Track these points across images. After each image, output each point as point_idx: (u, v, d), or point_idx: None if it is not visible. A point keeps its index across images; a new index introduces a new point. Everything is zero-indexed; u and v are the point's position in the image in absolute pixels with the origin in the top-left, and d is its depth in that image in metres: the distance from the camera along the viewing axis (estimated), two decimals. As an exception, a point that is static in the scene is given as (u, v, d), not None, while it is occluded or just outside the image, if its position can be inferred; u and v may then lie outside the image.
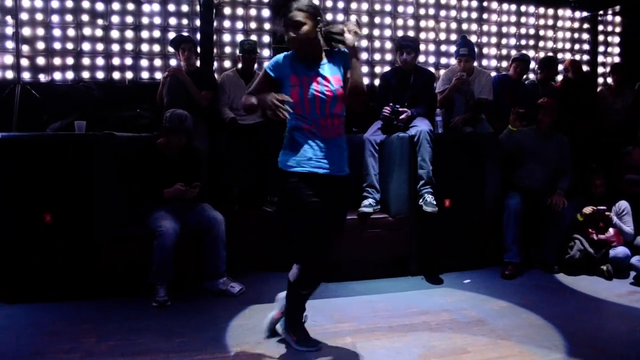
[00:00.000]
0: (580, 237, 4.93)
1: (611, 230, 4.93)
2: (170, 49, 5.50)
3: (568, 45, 7.39)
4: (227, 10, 6.03)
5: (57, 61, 5.50)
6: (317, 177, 2.89)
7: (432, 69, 6.31)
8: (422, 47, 6.22)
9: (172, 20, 5.83)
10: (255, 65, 5.50)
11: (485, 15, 6.96)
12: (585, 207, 4.94)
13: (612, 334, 3.60)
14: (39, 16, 5.43)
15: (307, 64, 2.92)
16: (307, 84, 2.88)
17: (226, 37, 6.03)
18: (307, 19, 2.80)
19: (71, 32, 5.53)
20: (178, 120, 4.28)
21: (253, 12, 6.09)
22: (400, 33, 6.47)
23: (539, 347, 3.31)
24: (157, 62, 5.80)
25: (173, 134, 4.29)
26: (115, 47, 5.67)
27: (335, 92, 2.89)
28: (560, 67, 6.92)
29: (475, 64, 5.78)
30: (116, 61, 5.66)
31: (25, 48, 5.40)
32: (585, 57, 7.17)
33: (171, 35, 5.67)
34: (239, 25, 6.07)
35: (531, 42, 7.19)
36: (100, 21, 5.62)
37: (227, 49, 6.02)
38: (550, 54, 6.88)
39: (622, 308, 4.11)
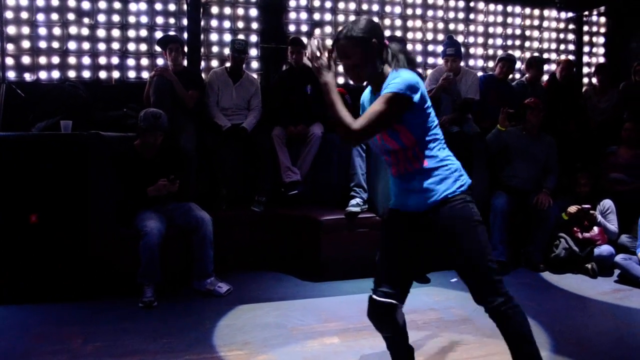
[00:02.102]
0: (566, 236, 4.98)
1: (596, 229, 4.98)
2: (158, 48, 5.48)
3: (554, 46, 7.46)
4: (214, 10, 6.01)
5: (42, 60, 5.44)
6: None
7: (419, 69, 6.33)
8: (409, 47, 6.25)
9: (159, 19, 5.80)
10: (244, 65, 5.49)
11: (471, 16, 7.00)
12: (571, 207, 4.99)
13: (597, 331, 3.64)
14: (24, 14, 5.37)
15: (373, 95, 2.53)
16: None
17: (213, 37, 6.01)
18: (356, 47, 2.39)
19: (57, 31, 5.48)
20: (152, 118, 4.26)
21: (240, 11, 6.08)
22: (387, 33, 6.48)
23: (525, 345, 3.33)
24: (144, 62, 5.76)
25: (148, 133, 4.27)
26: (102, 46, 5.62)
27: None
28: (550, 66, 7.00)
29: (462, 63, 5.81)
30: (102, 60, 5.62)
31: (10, 47, 5.35)
32: (571, 57, 7.22)
33: (158, 34, 5.64)
34: (227, 24, 6.05)
35: (517, 43, 7.24)
36: (86, 20, 5.57)
37: (215, 49, 6.00)
38: (536, 54, 6.93)
39: (607, 306, 4.15)
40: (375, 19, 6.48)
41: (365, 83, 2.57)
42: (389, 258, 2.59)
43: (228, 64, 5.41)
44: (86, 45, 5.58)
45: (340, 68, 2.53)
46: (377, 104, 2.33)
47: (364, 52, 2.41)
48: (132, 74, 5.73)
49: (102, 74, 5.62)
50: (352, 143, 2.41)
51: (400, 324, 2.59)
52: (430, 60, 6.77)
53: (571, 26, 7.53)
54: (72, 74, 5.51)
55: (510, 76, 6.28)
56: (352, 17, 6.45)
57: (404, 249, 2.59)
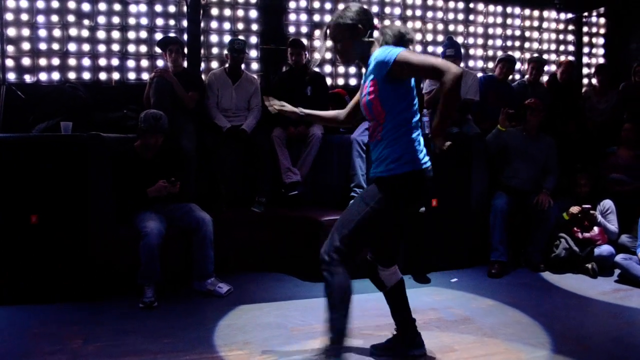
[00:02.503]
0: (566, 236, 4.98)
1: (596, 229, 4.98)
2: (157, 50, 5.49)
3: (553, 47, 7.47)
4: (214, 11, 6.02)
5: (42, 62, 5.45)
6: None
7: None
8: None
9: (159, 21, 5.81)
10: (243, 66, 5.50)
11: (471, 17, 7.01)
12: (572, 207, 4.99)
13: (597, 331, 3.64)
14: (25, 16, 5.38)
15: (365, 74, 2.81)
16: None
17: (213, 38, 6.02)
18: (345, 32, 2.69)
19: (57, 33, 5.49)
20: (153, 120, 4.26)
21: (240, 12, 6.09)
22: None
23: (526, 344, 3.34)
24: (144, 63, 5.77)
25: (149, 135, 4.27)
26: (102, 48, 5.63)
27: (363, 99, 2.76)
28: (550, 67, 7.01)
29: (462, 64, 5.81)
30: (103, 62, 5.63)
31: (10, 48, 5.36)
32: (570, 58, 7.23)
33: (158, 36, 5.65)
34: (227, 26, 6.07)
35: (517, 44, 7.25)
36: (86, 22, 5.58)
37: (215, 50, 6.01)
38: (535, 54, 6.94)
39: (607, 305, 4.16)
40: (376, 21, 6.52)
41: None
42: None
43: (227, 65, 5.42)
44: (86, 47, 5.58)
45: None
46: (410, 62, 2.51)
47: (351, 38, 2.68)
48: (132, 76, 5.74)
49: (102, 76, 5.63)
50: (458, 74, 2.44)
51: (384, 281, 3.01)
52: (430, 61, 6.76)
53: (571, 27, 7.54)
54: (72, 75, 5.52)
55: (510, 77, 6.29)
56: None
57: None
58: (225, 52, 5.40)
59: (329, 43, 2.80)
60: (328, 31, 2.76)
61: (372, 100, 2.66)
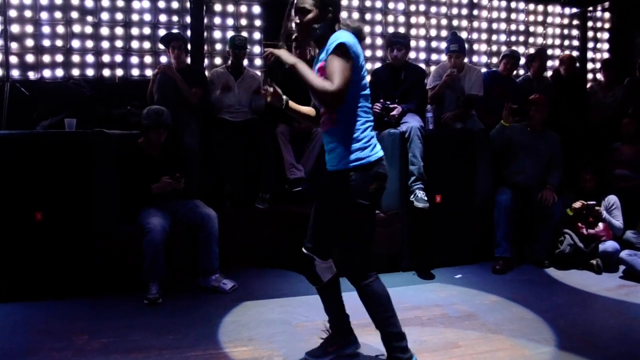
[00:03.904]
0: (570, 232, 4.97)
1: (601, 225, 4.97)
2: (161, 46, 5.48)
3: (558, 42, 7.43)
4: (217, 7, 5.99)
5: (46, 58, 5.44)
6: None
7: (422, 66, 6.33)
8: (412, 43, 6.24)
9: (162, 17, 5.80)
10: (245, 62, 5.49)
11: (475, 12, 6.97)
12: (575, 202, 4.98)
13: (601, 327, 3.64)
14: (28, 13, 5.37)
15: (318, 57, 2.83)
16: None
17: (217, 34, 6.00)
18: (313, 7, 2.71)
19: (60, 29, 5.48)
20: (155, 116, 4.27)
21: (244, 8, 6.07)
22: (390, 29, 6.48)
23: (530, 340, 3.34)
24: (148, 59, 5.76)
25: (152, 131, 4.28)
26: (105, 44, 5.62)
27: None
28: (554, 62, 6.98)
29: (466, 60, 5.79)
30: (106, 58, 5.62)
31: (14, 45, 5.35)
32: (575, 53, 7.20)
33: (161, 32, 5.64)
34: (230, 22, 6.05)
35: (521, 39, 7.22)
36: (89, 18, 5.57)
37: (218, 46, 6.00)
38: (537, 49, 6.90)
39: (612, 302, 4.15)
40: (379, 16, 6.50)
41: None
42: (312, 217, 2.96)
43: (229, 62, 5.41)
44: (90, 44, 5.58)
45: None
46: (332, 60, 2.56)
47: (318, 14, 2.70)
48: (135, 72, 5.73)
49: (106, 72, 5.62)
50: (335, 103, 2.55)
51: (320, 276, 2.94)
52: (434, 56, 6.75)
53: (575, 22, 7.50)
54: (75, 72, 5.51)
55: (515, 72, 6.26)
56: (355, 14, 6.44)
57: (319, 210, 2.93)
58: (227, 48, 5.39)
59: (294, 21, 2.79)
60: (295, 4, 2.76)
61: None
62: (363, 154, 2.71)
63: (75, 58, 5.53)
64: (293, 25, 2.79)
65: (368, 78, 2.75)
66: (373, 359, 3.10)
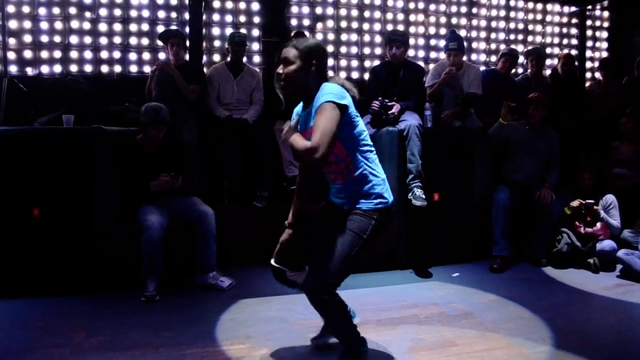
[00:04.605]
0: (568, 231, 4.97)
1: (598, 224, 4.97)
2: (159, 43, 5.47)
3: (556, 40, 7.43)
4: (216, 4, 5.99)
5: (44, 54, 5.44)
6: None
7: (421, 63, 6.33)
8: (411, 41, 6.24)
9: (161, 14, 5.79)
10: (245, 59, 5.48)
11: (474, 10, 6.98)
12: (573, 201, 4.98)
13: (599, 326, 3.65)
14: (26, 9, 5.37)
15: (303, 110, 2.80)
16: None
17: (215, 31, 6.00)
18: (297, 59, 2.65)
19: (59, 25, 5.48)
20: (153, 113, 4.26)
21: (242, 5, 6.07)
22: (389, 27, 6.47)
23: (527, 339, 3.34)
24: (146, 56, 5.76)
25: (151, 127, 4.27)
26: (104, 40, 5.62)
27: None
28: (553, 60, 6.98)
29: (465, 58, 5.79)
30: (104, 54, 5.62)
31: (12, 41, 5.35)
32: (574, 52, 7.20)
33: (160, 28, 5.64)
34: (228, 18, 6.05)
35: (520, 37, 7.22)
36: (88, 14, 5.57)
37: (217, 43, 5.99)
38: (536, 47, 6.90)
39: (609, 301, 4.15)
40: (378, 14, 6.49)
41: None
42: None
43: (228, 59, 5.40)
44: (88, 40, 5.57)
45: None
46: (320, 117, 2.51)
47: (302, 65, 2.64)
48: (133, 68, 5.73)
49: (104, 68, 5.62)
50: (317, 160, 2.49)
51: (295, 281, 2.91)
52: (433, 54, 6.76)
53: (574, 20, 7.50)
54: (74, 68, 5.51)
55: (513, 71, 6.26)
56: (354, 11, 6.44)
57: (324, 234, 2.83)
58: (226, 45, 5.38)
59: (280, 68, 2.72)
60: (281, 53, 2.70)
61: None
62: (385, 196, 2.76)
63: (74, 54, 5.53)
64: (277, 72, 2.73)
65: (361, 121, 2.75)
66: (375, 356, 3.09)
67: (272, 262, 2.91)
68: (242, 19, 6.07)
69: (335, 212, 2.84)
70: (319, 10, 6.33)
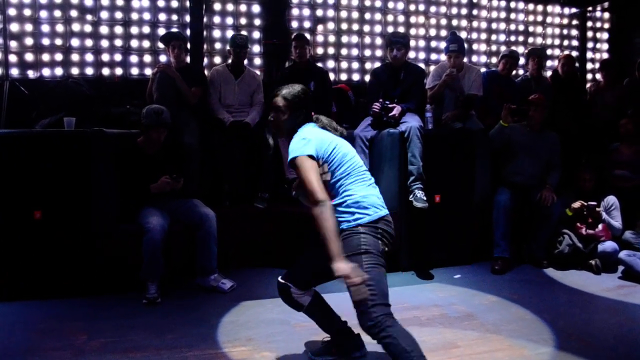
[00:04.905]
0: (569, 232, 4.97)
1: (600, 225, 4.96)
2: (160, 45, 5.48)
3: (557, 42, 7.44)
4: (217, 6, 6.01)
5: (45, 57, 5.45)
6: None
7: (422, 65, 6.33)
8: (412, 43, 6.24)
9: (162, 16, 5.80)
10: (246, 61, 5.49)
11: (475, 12, 6.98)
12: (575, 202, 4.98)
13: (600, 327, 3.64)
14: (27, 12, 5.37)
15: None
16: None
17: (216, 33, 6.01)
18: (286, 108, 2.87)
19: (60, 28, 5.48)
20: (155, 115, 4.25)
21: (243, 7, 6.08)
22: (390, 29, 6.48)
23: (529, 340, 3.34)
24: (147, 58, 5.77)
25: (152, 130, 4.27)
26: (105, 43, 5.62)
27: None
28: (553, 62, 6.98)
29: (465, 60, 5.79)
30: (105, 57, 5.62)
31: (13, 44, 5.35)
32: (574, 53, 7.20)
33: (161, 31, 5.65)
34: (229, 21, 6.06)
35: (520, 38, 7.23)
36: (89, 17, 5.57)
37: (217, 45, 6.00)
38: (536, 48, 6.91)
39: (610, 302, 4.15)
40: (379, 16, 6.50)
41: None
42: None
43: (229, 61, 5.41)
44: (89, 42, 5.58)
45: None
46: (299, 174, 2.72)
47: (290, 114, 2.88)
48: (135, 71, 5.73)
49: (105, 71, 5.63)
50: (324, 204, 2.61)
51: (300, 302, 2.99)
52: (434, 56, 6.77)
53: (575, 22, 7.52)
54: (75, 71, 5.52)
55: (514, 72, 6.26)
56: (354, 13, 6.44)
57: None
58: (228, 47, 5.39)
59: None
60: (273, 101, 2.92)
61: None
62: (364, 212, 2.76)
63: (75, 57, 5.53)
64: (269, 119, 2.99)
65: (340, 151, 2.83)
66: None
67: (279, 278, 2.99)
68: (243, 21, 6.08)
69: None
70: (319, 12, 6.34)
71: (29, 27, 5.40)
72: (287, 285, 2.95)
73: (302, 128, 2.87)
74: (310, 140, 2.75)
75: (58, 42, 5.49)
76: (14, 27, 5.35)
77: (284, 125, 2.92)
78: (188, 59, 5.39)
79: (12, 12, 5.33)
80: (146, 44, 5.77)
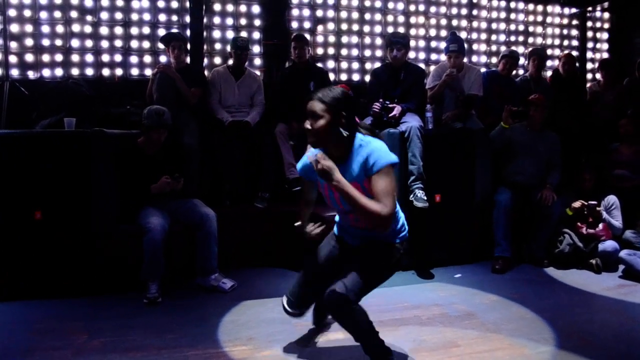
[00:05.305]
0: (570, 232, 4.97)
1: (600, 225, 4.96)
2: (160, 46, 5.49)
3: (557, 42, 7.45)
4: (217, 7, 6.01)
5: (45, 58, 5.45)
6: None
7: (422, 65, 6.33)
8: (412, 43, 6.24)
9: (162, 17, 5.81)
10: (246, 63, 5.49)
11: (475, 12, 6.99)
12: (575, 202, 4.98)
13: (601, 326, 3.63)
14: (27, 12, 5.38)
15: (337, 163, 2.60)
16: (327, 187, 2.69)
17: (216, 34, 6.01)
18: (325, 112, 2.56)
19: (60, 29, 5.49)
20: (156, 116, 4.26)
21: (243, 8, 6.08)
22: (390, 29, 6.49)
23: (529, 339, 3.34)
24: (147, 59, 5.77)
25: (153, 131, 4.27)
26: (105, 44, 5.63)
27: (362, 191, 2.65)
28: (554, 62, 6.98)
29: (465, 60, 5.79)
30: (106, 58, 5.63)
31: (13, 45, 5.36)
32: (575, 53, 7.20)
33: (161, 31, 5.65)
34: (229, 21, 6.06)
35: (520, 38, 7.23)
36: (89, 17, 5.58)
37: (217, 46, 6.01)
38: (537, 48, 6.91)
39: (611, 301, 4.15)
40: (379, 16, 6.50)
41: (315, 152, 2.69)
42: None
43: (230, 62, 5.41)
44: (89, 43, 5.59)
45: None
46: (383, 180, 2.52)
47: (330, 119, 2.56)
48: (135, 72, 5.73)
49: (105, 72, 5.63)
50: (388, 225, 2.58)
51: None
52: (434, 56, 6.77)
53: (575, 22, 7.52)
54: (75, 71, 5.52)
55: (514, 72, 6.26)
56: (354, 14, 6.45)
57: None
58: (229, 49, 5.39)
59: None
60: (308, 106, 2.61)
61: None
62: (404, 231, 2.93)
63: (75, 57, 5.54)
64: (306, 127, 2.64)
65: None
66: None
67: (284, 302, 3.08)
68: (243, 21, 6.08)
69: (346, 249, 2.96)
70: (319, 12, 6.34)
71: (29, 28, 5.40)
72: (298, 313, 3.10)
73: (361, 137, 2.64)
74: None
75: (58, 42, 5.49)
76: (14, 28, 5.35)
77: (326, 135, 2.58)
78: (188, 60, 5.40)
79: (12, 13, 5.33)
80: (146, 44, 5.77)
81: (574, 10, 7.44)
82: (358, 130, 2.71)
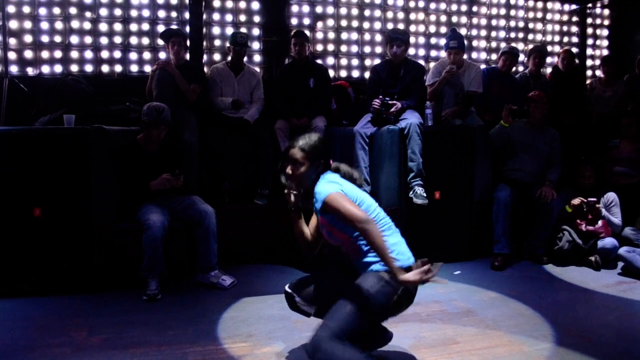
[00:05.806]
0: (569, 229, 4.97)
1: (600, 222, 4.97)
2: (160, 42, 5.48)
3: (557, 38, 7.44)
4: (216, 3, 5.99)
5: (45, 54, 5.44)
6: None
7: (422, 62, 6.33)
8: (412, 39, 6.24)
9: (162, 13, 5.79)
10: (245, 58, 5.48)
11: (474, 8, 6.97)
12: (574, 199, 4.98)
13: (600, 323, 3.64)
14: (26, 9, 5.37)
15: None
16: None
17: (216, 30, 6.00)
18: (305, 160, 2.77)
19: (59, 25, 5.48)
20: (156, 112, 4.26)
21: (242, 4, 6.07)
22: (390, 26, 6.47)
23: (528, 336, 3.34)
24: (146, 55, 5.76)
25: (152, 127, 4.27)
26: (104, 40, 5.62)
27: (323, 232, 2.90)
28: (553, 58, 6.98)
29: (465, 56, 5.79)
30: (105, 54, 5.62)
31: (12, 41, 5.35)
32: (575, 50, 7.20)
33: (160, 28, 5.64)
34: (229, 18, 6.05)
35: (520, 35, 7.22)
36: (88, 14, 5.57)
37: (217, 42, 6.00)
38: (538, 45, 6.91)
39: (610, 298, 4.15)
40: (379, 12, 6.49)
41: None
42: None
43: (229, 58, 5.41)
44: (88, 39, 5.58)
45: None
46: (335, 210, 2.61)
47: (309, 166, 2.78)
48: (134, 68, 5.73)
49: (105, 68, 5.63)
50: (371, 224, 2.58)
51: (306, 311, 2.99)
52: (433, 53, 6.76)
53: (575, 18, 7.51)
54: (74, 68, 5.52)
55: (514, 69, 6.26)
56: (354, 10, 6.43)
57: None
58: (228, 45, 5.38)
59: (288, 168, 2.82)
60: (290, 153, 2.80)
61: (331, 232, 2.79)
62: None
63: (74, 54, 5.53)
64: (287, 173, 2.84)
65: (365, 202, 2.79)
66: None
67: (286, 287, 3.01)
68: (242, 18, 6.07)
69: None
70: (319, 9, 6.33)
71: (28, 25, 5.39)
72: (293, 295, 2.97)
73: (324, 175, 2.81)
74: (340, 185, 2.73)
75: (57, 39, 5.48)
76: (13, 24, 5.35)
77: (304, 178, 2.80)
78: (187, 56, 5.40)
79: (11, 9, 5.32)
80: (145, 41, 5.76)
81: (574, 6, 7.43)
82: (335, 170, 2.88)
